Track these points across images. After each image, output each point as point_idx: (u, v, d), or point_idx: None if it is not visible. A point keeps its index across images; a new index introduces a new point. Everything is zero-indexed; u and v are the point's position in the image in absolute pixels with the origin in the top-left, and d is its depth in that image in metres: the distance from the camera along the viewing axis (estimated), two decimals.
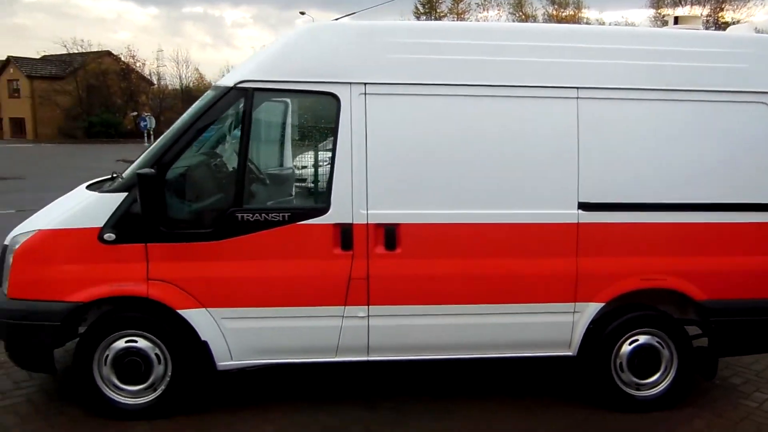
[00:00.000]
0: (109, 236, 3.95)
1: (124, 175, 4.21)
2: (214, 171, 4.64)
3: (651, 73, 4.21)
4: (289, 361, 4.29)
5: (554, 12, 53.36)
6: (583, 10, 53.76)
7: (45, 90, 48.79)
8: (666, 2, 46.13)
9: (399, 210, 4.10)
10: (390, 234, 4.09)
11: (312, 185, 4.84)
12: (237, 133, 4.32)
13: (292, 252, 4.06)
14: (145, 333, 4.11)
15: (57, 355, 4.16)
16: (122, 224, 3.96)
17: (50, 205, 4.65)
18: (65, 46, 50.54)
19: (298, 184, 4.83)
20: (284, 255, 4.06)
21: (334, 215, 4.06)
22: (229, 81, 4.15)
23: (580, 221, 4.20)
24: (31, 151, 35.05)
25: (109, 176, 4.67)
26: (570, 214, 4.20)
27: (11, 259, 4.04)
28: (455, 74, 4.10)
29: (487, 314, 4.22)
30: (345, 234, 4.06)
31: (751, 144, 4.31)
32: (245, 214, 4.00)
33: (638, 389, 4.43)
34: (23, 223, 4.34)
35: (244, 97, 4.03)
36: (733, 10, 42.10)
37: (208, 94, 4.28)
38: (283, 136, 5.38)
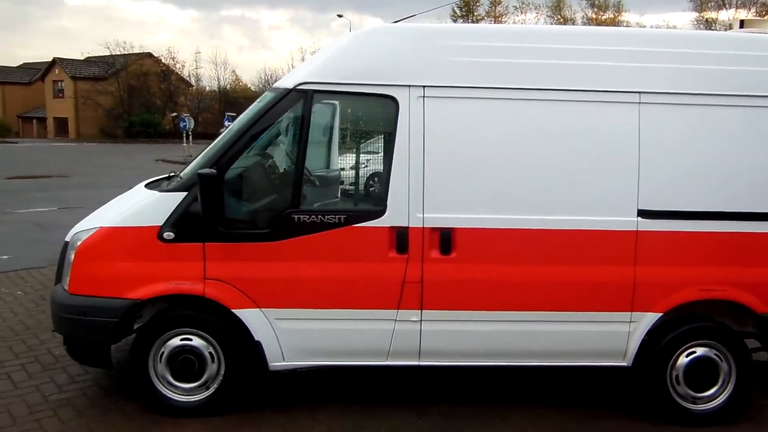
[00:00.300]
0: (169, 235, 4.00)
1: (182, 174, 4.27)
2: (269, 172, 4.67)
3: (716, 77, 4.10)
4: (340, 363, 4.29)
5: (594, 15, 52.72)
6: (623, 14, 53.11)
7: (88, 90, 49.87)
8: (710, 5, 45.25)
9: (455, 214, 4.07)
10: (445, 238, 4.06)
11: (368, 188, 4.84)
12: (293, 134, 4.35)
13: (347, 254, 4.07)
14: (199, 331, 4.15)
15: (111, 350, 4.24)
16: (181, 223, 4.01)
17: (110, 202, 4.75)
18: (108, 47, 51.65)
19: (354, 186, 4.83)
20: (339, 257, 4.07)
21: (390, 218, 4.04)
22: (288, 83, 4.18)
23: (639, 229, 4.11)
24: (74, 149, 35.91)
25: (166, 175, 4.74)
26: (629, 221, 4.11)
27: (73, 256, 4.12)
28: (515, 78, 4.05)
29: (541, 321, 4.16)
30: (400, 237, 4.05)
31: None
32: (302, 216, 4.02)
33: (694, 403, 4.32)
34: (84, 220, 4.43)
35: (303, 99, 4.05)
36: None
37: (267, 96, 4.32)
38: (332, 137, 5.39)
